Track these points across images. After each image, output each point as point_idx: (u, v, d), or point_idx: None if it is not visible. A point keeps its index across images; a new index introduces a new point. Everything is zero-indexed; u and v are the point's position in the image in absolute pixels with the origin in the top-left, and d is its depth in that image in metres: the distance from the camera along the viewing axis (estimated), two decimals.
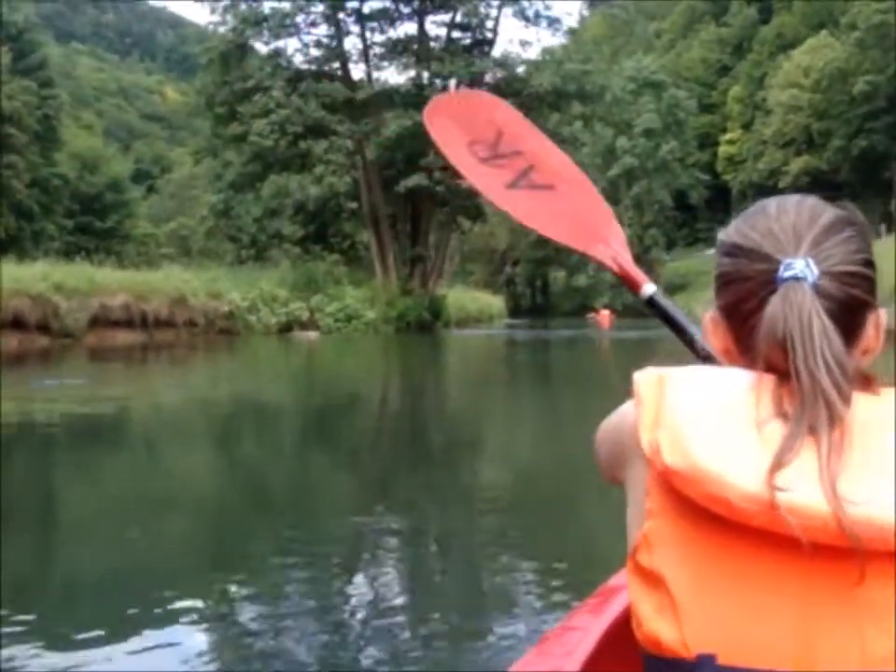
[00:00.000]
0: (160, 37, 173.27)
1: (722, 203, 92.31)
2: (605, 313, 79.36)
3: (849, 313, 1.40)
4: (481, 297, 78.03)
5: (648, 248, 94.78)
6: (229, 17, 54.13)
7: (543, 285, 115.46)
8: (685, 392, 1.39)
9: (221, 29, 54.77)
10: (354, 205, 57.11)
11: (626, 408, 1.53)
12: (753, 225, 1.47)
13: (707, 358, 2.13)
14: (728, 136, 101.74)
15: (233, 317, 44.74)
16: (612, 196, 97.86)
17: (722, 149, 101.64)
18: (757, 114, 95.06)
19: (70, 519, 8.88)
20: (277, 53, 54.27)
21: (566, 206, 2.73)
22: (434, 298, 55.71)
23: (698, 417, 1.35)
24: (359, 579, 6.55)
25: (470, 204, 59.36)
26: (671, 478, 1.33)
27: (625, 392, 1.49)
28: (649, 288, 2.45)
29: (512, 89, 54.94)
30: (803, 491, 1.26)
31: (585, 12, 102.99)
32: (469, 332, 55.25)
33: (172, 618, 5.55)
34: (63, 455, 12.63)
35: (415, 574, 6.75)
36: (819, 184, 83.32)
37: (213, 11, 55.07)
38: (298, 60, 55.38)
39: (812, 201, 1.48)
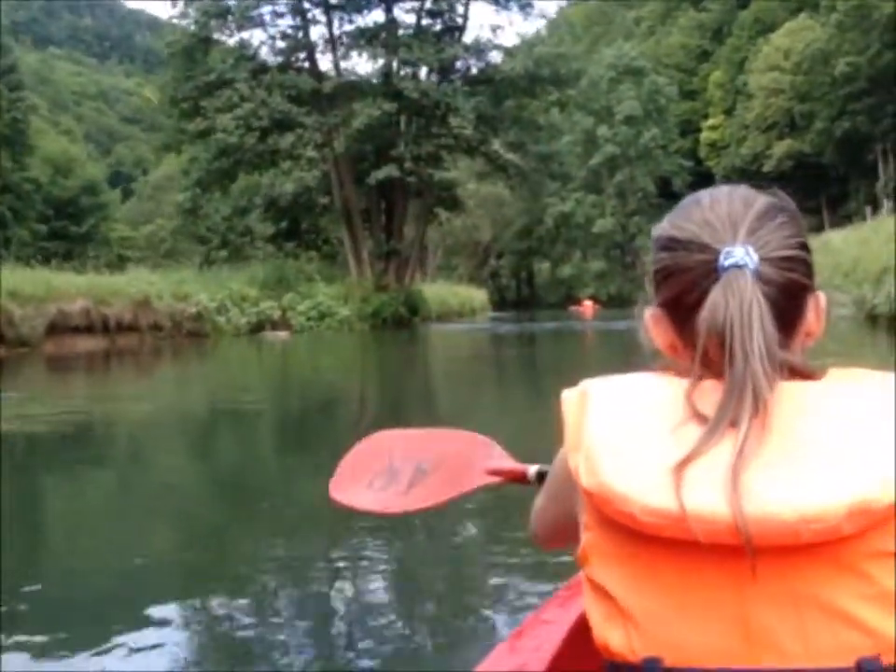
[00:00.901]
0: (138, 40, 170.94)
1: (708, 187, 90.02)
2: (588, 303, 77.89)
3: (790, 297, 1.42)
4: (462, 291, 76.00)
5: (633, 237, 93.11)
6: (191, 10, 51.69)
7: (528, 276, 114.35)
8: (601, 409, 1.41)
9: (184, 22, 52.42)
10: (326, 200, 54.74)
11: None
12: (688, 217, 1.48)
13: None
14: (710, 122, 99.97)
15: (202, 319, 42.50)
16: (594, 185, 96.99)
17: (705, 135, 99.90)
18: (738, 98, 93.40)
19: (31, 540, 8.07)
20: (243, 46, 51.82)
21: (452, 470, 2.92)
22: (411, 293, 53.49)
23: (610, 435, 1.38)
24: (345, 579, 6.35)
25: (447, 195, 57.40)
26: (588, 498, 1.37)
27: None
28: (532, 469, 2.65)
29: (485, 75, 52.98)
30: (706, 494, 1.28)
31: (564, 2, 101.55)
32: (449, 327, 53.39)
33: (156, 627, 5.31)
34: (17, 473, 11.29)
35: (400, 573, 6.64)
36: (802, 167, 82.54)
37: (174, 5, 52.70)
38: (264, 52, 52.99)
39: (743, 190, 1.49)
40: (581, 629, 1.88)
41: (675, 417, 1.36)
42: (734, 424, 1.32)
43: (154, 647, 4.96)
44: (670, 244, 1.47)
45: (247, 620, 5.38)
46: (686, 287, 1.43)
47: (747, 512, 1.25)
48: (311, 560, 6.79)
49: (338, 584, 6.22)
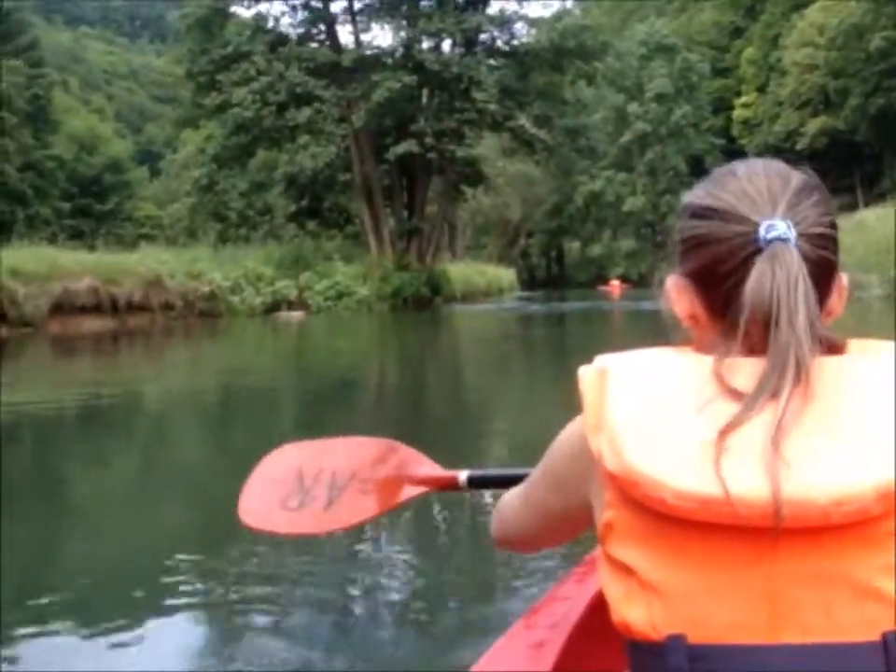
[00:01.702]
0: (169, 19, 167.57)
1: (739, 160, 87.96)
2: (615, 283, 75.98)
3: (821, 275, 1.42)
4: (489, 270, 73.86)
5: (663, 216, 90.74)
6: None
7: (558, 256, 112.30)
8: (623, 388, 1.39)
9: None
10: (347, 177, 52.56)
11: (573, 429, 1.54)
12: (724, 187, 1.46)
13: None
14: (743, 100, 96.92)
15: (215, 299, 40.84)
16: (625, 163, 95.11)
17: (737, 113, 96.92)
18: (772, 75, 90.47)
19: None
20: (260, 18, 49.49)
21: (373, 484, 2.81)
22: (433, 272, 51.49)
23: (634, 415, 1.35)
24: (358, 568, 6.22)
25: (471, 172, 55.27)
26: (612, 482, 1.34)
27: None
28: (463, 475, 2.61)
29: (510, 47, 50.79)
30: (742, 477, 1.27)
31: None
32: (474, 307, 51.43)
33: (169, 616, 5.32)
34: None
35: (415, 554, 6.48)
36: (836, 144, 79.96)
37: None
38: (283, 24, 50.67)
39: (778, 164, 1.49)
40: (598, 606, 1.96)
41: (702, 395, 1.34)
42: (775, 395, 1.30)
43: (164, 637, 4.96)
44: (705, 212, 1.44)
45: (263, 612, 5.28)
46: (719, 256, 1.41)
47: (783, 495, 1.24)
48: (329, 544, 6.45)
49: (353, 574, 6.08)
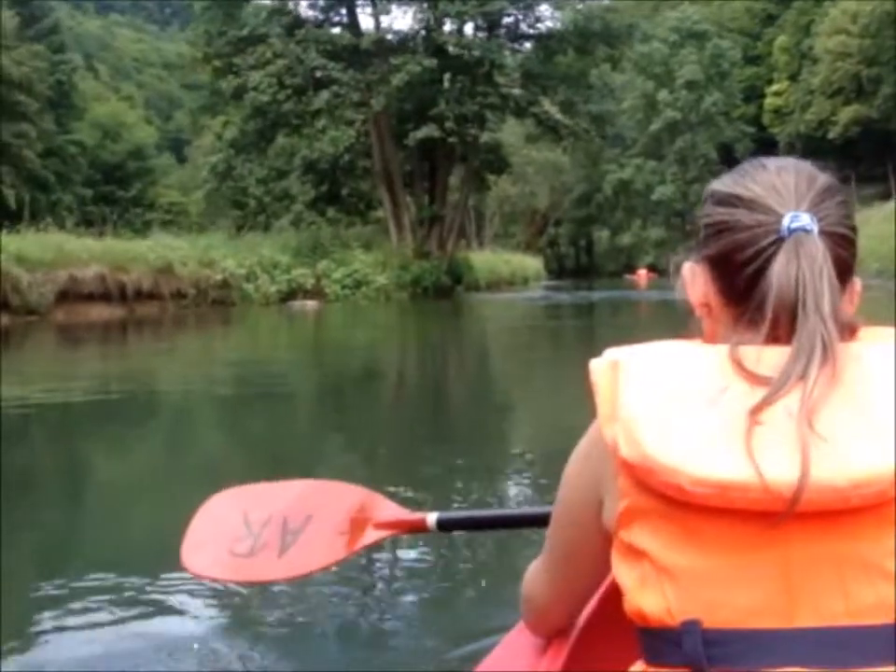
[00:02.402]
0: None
1: (769, 156, 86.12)
2: (642, 272, 74.39)
3: (838, 275, 1.42)
4: (514, 258, 72.33)
5: (693, 204, 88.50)
6: None
7: (587, 245, 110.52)
8: (636, 377, 1.39)
9: None
10: (367, 163, 50.89)
11: (585, 438, 1.56)
12: (753, 178, 1.48)
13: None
14: (774, 88, 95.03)
15: (228, 287, 39.36)
16: (655, 151, 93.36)
17: (769, 101, 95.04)
18: (804, 63, 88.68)
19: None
20: (282, 9, 47.64)
21: (332, 528, 2.67)
22: (454, 260, 49.87)
23: (649, 404, 1.35)
24: (361, 568, 5.85)
25: (493, 158, 53.54)
26: (628, 470, 1.34)
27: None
28: (432, 517, 2.51)
29: (533, 30, 49.05)
30: (772, 458, 1.27)
31: None
32: (496, 296, 50.01)
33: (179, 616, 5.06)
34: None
35: (426, 553, 6.16)
36: (869, 133, 78.08)
37: None
38: (302, 7, 48.89)
39: (807, 165, 1.52)
40: (602, 606, 1.95)
41: (717, 382, 1.34)
42: (802, 378, 1.30)
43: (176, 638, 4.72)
44: (731, 200, 1.46)
45: (264, 612, 5.13)
46: (741, 244, 1.42)
47: (814, 479, 1.24)
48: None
49: (370, 575, 5.95)
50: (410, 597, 5.48)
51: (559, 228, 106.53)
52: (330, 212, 53.98)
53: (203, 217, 66.24)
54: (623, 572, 1.38)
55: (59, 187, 66.08)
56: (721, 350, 1.37)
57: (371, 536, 2.60)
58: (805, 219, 1.39)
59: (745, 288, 1.42)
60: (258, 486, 2.86)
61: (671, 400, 1.33)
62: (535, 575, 1.78)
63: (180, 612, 5.06)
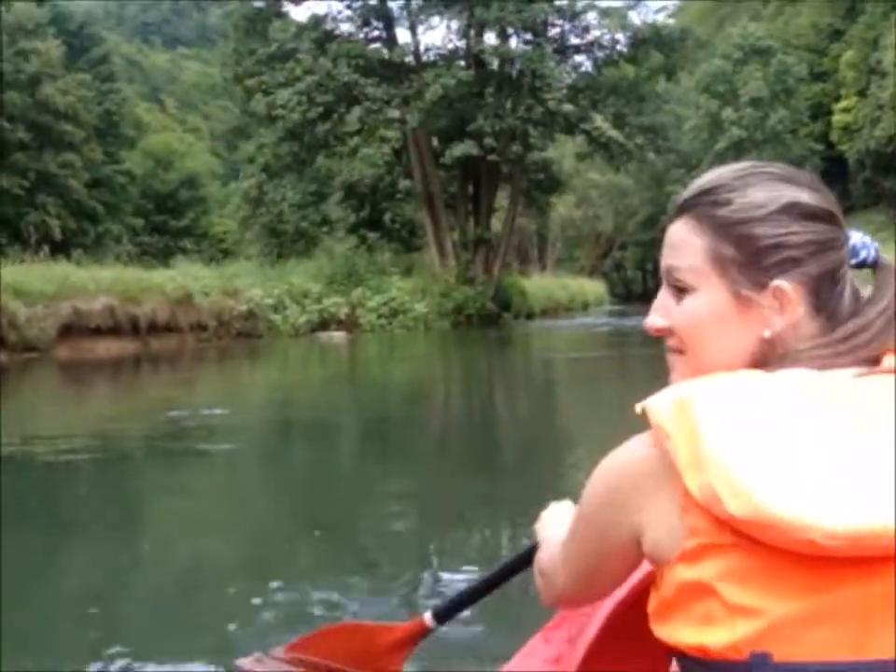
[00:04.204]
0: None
1: (839, 174, 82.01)
2: None
3: None
4: (572, 283, 68.30)
5: None
6: None
7: (654, 268, 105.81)
8: (718, 418, 1.28)
9: None
10: (408, 184, 47.08)
11: (621, 458, 1.42)
12: (825, 193, 1.45)
13: None
14: (842, 104, 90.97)
15: (254, 318, 35.75)
16: None
17: (836, 118, 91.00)
18: (872, 78, 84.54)
19: None
20: (316, 18, 43.95)
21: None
22: (502, 286, 45.72)
23: (745, 450, 1.25)
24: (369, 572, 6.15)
25: (543, 177, 49.56)
26: (736, 525, 1.23)
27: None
28: (427, 616, 2.41)
29: (582, 41, 45.06)
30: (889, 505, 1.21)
31: None
32: (545, 324, 45.99)
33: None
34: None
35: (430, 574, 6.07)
36: None
37: None
38: (340, 24, 45.03)
39: None
40: (615, 621, 1.93)
41: (812, 419, 1.26)
42: None
43: None
44: (826, 216, 1.41)
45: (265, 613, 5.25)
46: (839, 264, 1.41)
47: None
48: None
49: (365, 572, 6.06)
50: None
51: (624, 251, 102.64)
52: (371, 237, 50.00)
53: (238, 245, 62.95)
54: (676, 606, 1.28)
55: (108, 217, 63.18)
56: (811, 378, 1.30)
57: (397, 664, 2.41)
58: (869, 244, 1.43)
59: (841, 305, 1.39)
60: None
61: (767, 443, 1.22)
62: (552, 563, 1.66)
63: None
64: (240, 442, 12.61)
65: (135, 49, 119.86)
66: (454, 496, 8.90)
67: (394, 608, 5.35)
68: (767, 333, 1.40)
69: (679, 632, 1.28)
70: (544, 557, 1.75)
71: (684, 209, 1.48)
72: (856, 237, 1.45)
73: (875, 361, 1.36)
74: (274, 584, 5.83)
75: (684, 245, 1.46)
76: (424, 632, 2.42)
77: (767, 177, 1.43)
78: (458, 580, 5.73)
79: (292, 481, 10.36)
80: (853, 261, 1.44)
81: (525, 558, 2.14)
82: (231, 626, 5.17)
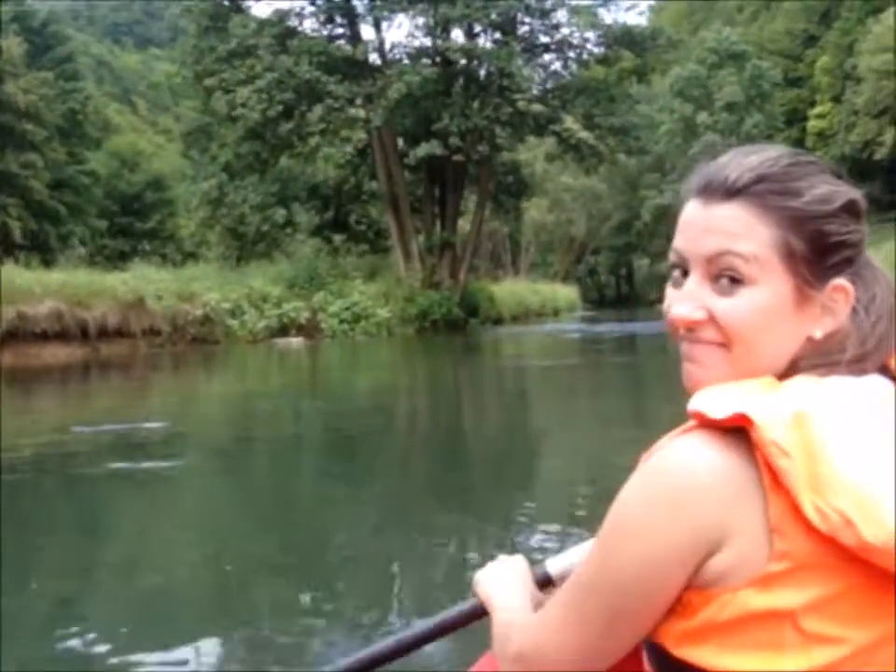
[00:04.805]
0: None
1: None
2: None
3: None
4: (544, 288, 66.85)
5: None
6: None
7: (628, 273, 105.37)
8: (846, 439, 1.23)
9: None
10: (374, 186, 45.58)
11: (705, 472, 1.26)
12: (837, 182, 1.41)
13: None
14: (817, 110, 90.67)
15: (210, 322, 34.28)
16: None
17: (812, 124, 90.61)
18: (847, 84, 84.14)
19: None
20: (280, 14, 42.31)
21: None
22: (469, 291, 44.29)
23: (876, 472, 1.20)
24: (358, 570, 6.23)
25: (512, 180, 48.18)
26: (866, 553, 1.19)
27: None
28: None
29: (552, 40, 43.69)
30: None
31: None
32: (518, 330, 44.28)
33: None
34: None
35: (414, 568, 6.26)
36: None
37: None
38: (303, 23, 43.50)
39: None
40: None
41: None
42: None
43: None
44: (861, 210, 1.39)
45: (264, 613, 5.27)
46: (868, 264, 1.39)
47: None
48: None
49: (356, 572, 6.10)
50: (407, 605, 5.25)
51: (598, 256, 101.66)
52: (337, 240, 48.43)
53: (200, 247, 61.40)
54: (736, 630, 1.22)
55: (71, 219, 61.54)
56: (884, 390, 1.28)
57: None
58: None
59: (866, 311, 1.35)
60: None
61: (884, 463, 1.19)
62: (546, 637, 1.41)
63: None
64: (180, 460, 11.49)
65: (106, 50, 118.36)
66: (415, 525, 7.79)
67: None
68: (818, 333, 1.37)
69: (735, 660, 1.22)
70: (523, 640, 1.45)
71: (738, 192, 1.36)
72: None
73: (884, 368, 1.34)
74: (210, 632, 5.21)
75: (746, 232, 1.34)
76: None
77: (820, 170, 1.39)
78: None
79: (237, 505, 9.23)
80: None
81: (466, 617, 1.86)
82: None
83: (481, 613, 1.80)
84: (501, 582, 1.73)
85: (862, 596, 1.19)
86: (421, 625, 1.97)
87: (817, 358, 1.34)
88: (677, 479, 1.25)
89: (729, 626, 1.22)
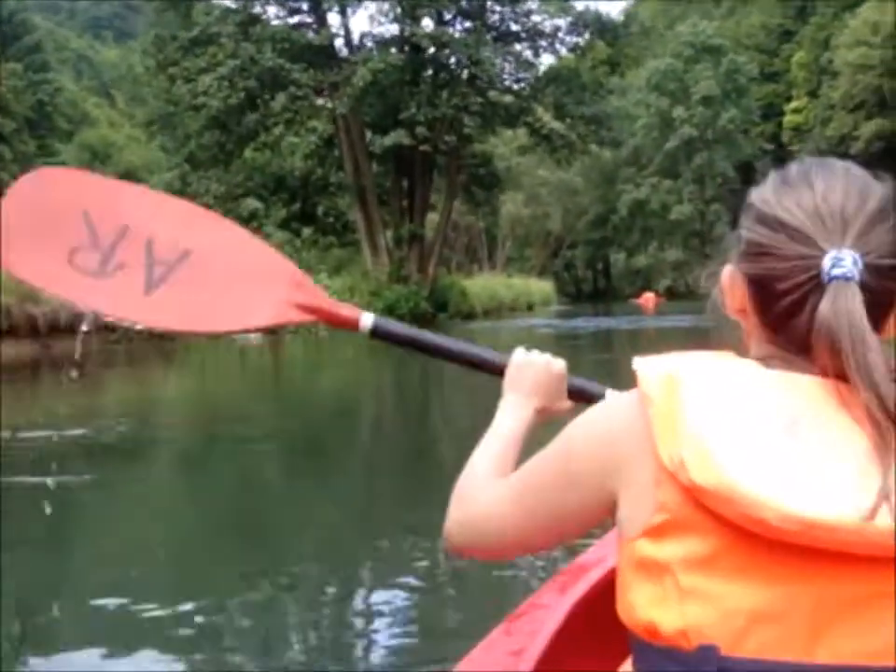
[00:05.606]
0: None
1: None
2: (649, 296, 67.41)
3: (882, 306, 1.35)
4: (518, 282, 65.32)
5: (712, 224, 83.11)
6: None
7: (604, 267, 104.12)
8: (702, 396, 1.29)
9: None
10: (341, 177, 44.03)
11: (608, 413, 1.42)
12: (798, 201, 1.36)
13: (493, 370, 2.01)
14: (793, 105, 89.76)
15: None
16: (671, 169, 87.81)
17: (788, 119, 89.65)
18: (823, 78, 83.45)
19: None
20: (244, 5, 40.70)
21: (221, 275, 2.05)
22: (438, 285, 42.79)
23: (722, 428, 1.25)
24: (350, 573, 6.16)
25: (484, 172, 46.68)
26: (698, 495, 1.23)
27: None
28: (367, 319, 2.08)
29: (521, 27, 42.17)
30: (860, 500, 1.20)
31: None
32: (489, 325, 42.53)
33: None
34: None
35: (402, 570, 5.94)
36: (893, 148, 72.78)
37: None
38: (269, 9, 41.92)
39: (860, 176, 1.38)
40: (578, 614, 1.97)
41: (787, 410, 1.26)
42: (876, 426, 1.23)
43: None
44: (773, 224, 1.35)
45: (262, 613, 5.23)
46: (780, 274, 1.33)
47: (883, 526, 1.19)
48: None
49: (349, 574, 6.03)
50: (392, 602, 5.24)
51: (575, 250, 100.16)
52: (305, 232, 46.83)
53: None
54: (634, 585, 1.27)
55: None
56: (783, 375, 1.29)
57: (282, 313, 2.03)
58: (848, 263, 1.28)
59: (783, 315, 1.32)
60: (106, 181, 2.10)
61: (745, 425, 1.23)
62: (496, 507, 1.51)
63: None
64: (126, 466, 11.10)
65: (86, 44, 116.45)
66: (377, 527, 7.74)
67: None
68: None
69: (634, 609, 1.26)
70: (482, 499, 1.55)
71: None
72: (833, 258, 1.31)
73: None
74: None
75: None
76: (352, 325, 2.05)
77: (781, 176, 1.42)
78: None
79: (193, 509, 9.14)
80: None
81: (493, 367, 1.97)
82: None
83: (499, 372, 1.90)
84: (522, 386, 1.89)
85: (733, 558, 1.20)
86: (457, 345, 2.05)
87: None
88: (598, 423, 1.38)
89: (631, 577, 1.26)
